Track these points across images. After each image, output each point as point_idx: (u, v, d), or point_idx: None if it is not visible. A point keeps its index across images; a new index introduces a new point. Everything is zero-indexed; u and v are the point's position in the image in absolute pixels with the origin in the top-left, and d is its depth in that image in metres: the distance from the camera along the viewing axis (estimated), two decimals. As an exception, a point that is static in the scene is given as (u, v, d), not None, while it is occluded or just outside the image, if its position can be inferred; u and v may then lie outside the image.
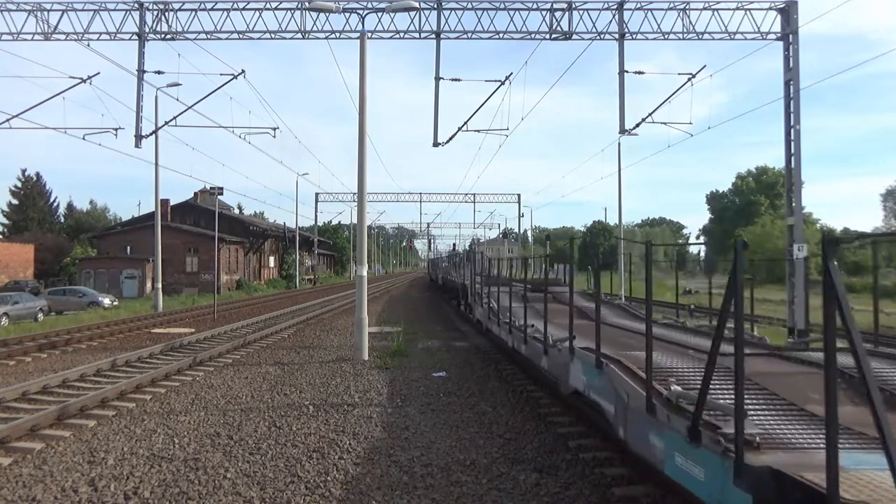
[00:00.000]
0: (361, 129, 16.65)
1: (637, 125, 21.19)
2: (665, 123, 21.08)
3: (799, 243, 18.95)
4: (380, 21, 20.48)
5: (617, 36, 20.47)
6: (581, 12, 20.45)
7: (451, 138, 21.73)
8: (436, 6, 20.47)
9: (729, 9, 20.19)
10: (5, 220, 70.25)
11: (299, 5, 20.51)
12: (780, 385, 5.67)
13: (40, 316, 26.81)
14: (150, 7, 21.04)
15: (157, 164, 31.44)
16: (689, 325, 11.15)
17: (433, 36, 20.68)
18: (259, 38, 21.18)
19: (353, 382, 12.68)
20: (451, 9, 20.62)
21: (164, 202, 50.89)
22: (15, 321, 24.59)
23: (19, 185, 70.67)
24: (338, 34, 20.77)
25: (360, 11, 18.89)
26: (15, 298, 26.72)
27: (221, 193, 42.11)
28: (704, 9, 20.30)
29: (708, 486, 4.27)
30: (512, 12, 20.62)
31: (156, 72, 23.08)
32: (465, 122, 21.78)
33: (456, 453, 7.94)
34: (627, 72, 20.54)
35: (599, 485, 6.75)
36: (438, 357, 15.99)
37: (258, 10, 20.75)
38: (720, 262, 49.30)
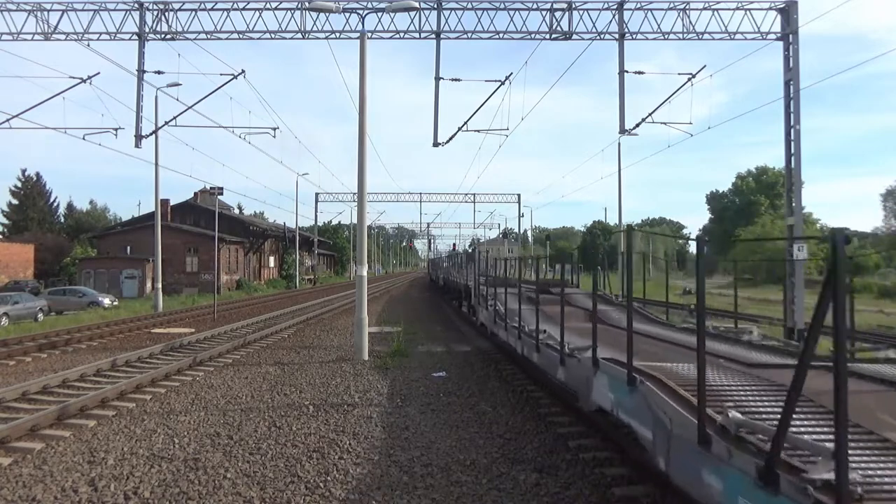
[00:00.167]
0: (361, 129, 16.65)
1: (637, 125, 21.18)
2: (665, 123, 21.05)
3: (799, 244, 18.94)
4: (380, 21, 20.52)
5: (617, 36, 20.46)
6: (581, 12, 20.44)
7: (451, 138, 21.75)
8: (436, 6, 20.47)
9: (729, 9, 20.19)
10: (5, 220, 70.41)
11: (299, 5, 20.51)
12: (857, 410, 4.36)
13: (40, 316, 26.82)
14: (150, 7, 21.05)
15: (157, 164, 31.52)
16: (712, 328, 10.20)
17: (433, 36, 20.68)
18: (259, 38, 21.19)
19: (353, 382, 12.68)
20: (451, 9, 20.62)
21: (164, 202, 50.88)
22: (15, 321, 24.60)
23: (19, 185, 70.80)
24: (338, 34, 20.78)
25: (360, 11, 18.89)
26: (15, 298, 26.74)
27: (221, 193, 42.07)
28: (704, 9, 20.29)
29: None
30: (512, 12, 20.63)
31: (156, 72, 23.12)
32: (465, 123, 21.79)
33: (456, 453, 7.94)
34: (627, 72, 20.56)
35: (599, 485, 6.75)
36: (438, 357, 15.98)
37: (258, 10, 20.76)
38: (720, 262, 49.28)
